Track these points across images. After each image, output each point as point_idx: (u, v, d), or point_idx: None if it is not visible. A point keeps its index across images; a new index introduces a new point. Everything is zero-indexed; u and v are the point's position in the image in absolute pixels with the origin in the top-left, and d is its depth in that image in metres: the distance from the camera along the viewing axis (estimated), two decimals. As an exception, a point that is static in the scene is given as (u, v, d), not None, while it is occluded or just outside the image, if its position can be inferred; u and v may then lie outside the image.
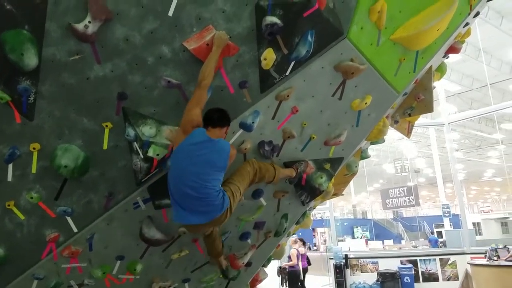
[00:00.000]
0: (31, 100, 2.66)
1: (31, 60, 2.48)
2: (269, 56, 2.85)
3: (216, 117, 2.89)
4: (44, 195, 3.03)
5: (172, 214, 2.96)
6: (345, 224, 32.54)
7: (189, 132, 2.78)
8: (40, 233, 3.16)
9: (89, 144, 2.91)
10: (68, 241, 3.23)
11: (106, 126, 2.86)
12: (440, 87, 16.23)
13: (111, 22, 2.54)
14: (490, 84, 18.03)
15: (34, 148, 2.84)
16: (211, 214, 2.84)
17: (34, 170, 2.91)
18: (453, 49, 4.27)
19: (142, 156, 2.86)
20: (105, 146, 2.91)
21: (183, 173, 2.78)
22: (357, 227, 32.14)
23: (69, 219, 3.15)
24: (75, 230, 3.20)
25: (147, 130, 2.83)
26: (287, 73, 3.03)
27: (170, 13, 2.59)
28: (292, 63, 2.97)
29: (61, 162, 2.86)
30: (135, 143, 2.85)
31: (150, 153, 2.84)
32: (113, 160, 3.00)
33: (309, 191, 3.96)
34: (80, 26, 2.48)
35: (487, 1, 4.22)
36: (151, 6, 2.55)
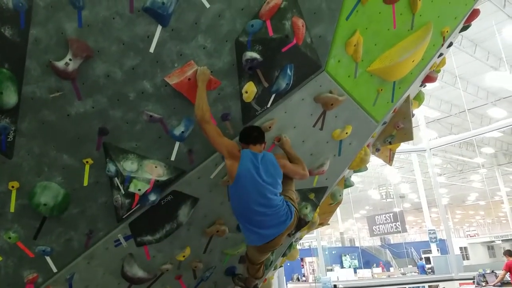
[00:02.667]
0: (10, 138, 2.63)
1: (10, 98, 2.47)
2: (250, 89, 2.90)
3: (255, 136, 3.00)
4: (22, 234, 2.95)
5: (249, 239, 3.05)
6: (333, 252, 32.26)
7: (239, 155, 2.89)
8: (18, 275, 3.05)
9: (69, 181, 2.87)
10: (47, 281, 3.13)
11: (87, 162, 2.83)
12: (420, 114, 16.67)
13: (92, 59, 2.56)
14: (468, 109, 18.61)
15: (13, 187, 2.78)
16: (286, 222, 2.96)
17: (12, 209, 2.83)
18: (430, 78, 4.42)
19: (123, 192, 2.82)
20: (85, 183, 2.87)
21: (250, 195, 2.88)
22: (345, 255, 31.86)
23: (48, 258, 3.06)
24: (54, 270, 3.10)
25: (129, 165, 2.81)
26: (269, 105, 3.08)
27: (152, 50, 2.63)
28: (273, 95, 3.03)
29: (40, 200, 2.80)
30: (116, 178, 2.82)
31: (132, 188, 2.80)
32: (93, 196, 2.95)
33: (294, 222, 3.93)
34: (61, 64, 2.49)
35: (459, 32, 4.41)
36: (132, 43, 2.59)
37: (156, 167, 2.94)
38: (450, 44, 4.28)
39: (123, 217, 2.97)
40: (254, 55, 2.77)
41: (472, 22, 4.30)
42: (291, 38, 2.75)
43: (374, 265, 28.68)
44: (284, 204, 2.96)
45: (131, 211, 2.96)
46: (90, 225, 3.05)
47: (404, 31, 3.36)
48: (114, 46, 2.57)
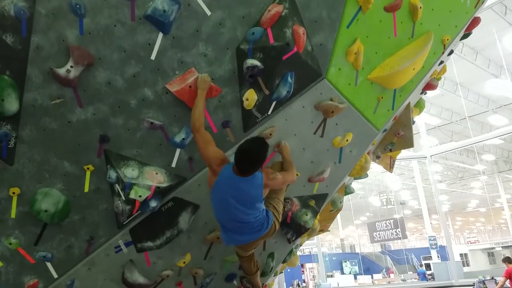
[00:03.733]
0: (11, 145, 2.64)
1: (12, 105, 2.48)
2: (251, 97, 2.91)
3: (246, 168, 2.71)
4: (23, 240, 2.95)
5: (223, 237, 3.02)
6: (333, 258, 32.14)
7: (218, 171, 2.75)
8: (19, 280, 3.05)
9: (70, 188, 2.87)
10: (47, 287, 3.11)
11: (88, 169, 2.84)
12: (421, 121, 16.68)
13: (93, 67, 2.57)
14: (469, 116, 18.62)
15: (13, 193, 2.79)
16: (260, 232, 2.94)
17: (13, 215, 2.84)
18: (430, 86, 4.43)
19: (124, 198, 2.82)
20: (86, 189, 2.88)
21: (223, 210, 2.83)
22: (345, 262, 31.74)
23: (49, 264, 3.06)
24: (55, 276, 3.10)
25: (129, 171, 2.81)
26: (269, 112, 3.08)
27: (153, 57, 2.65)
28: (274, 103, 3.03)
29: (41, 206, 2.81)
30: (116, 185, 2.82)
31: (132, 195, 2.80)
32: (94, 203, 2.95)
33: (294, 229, 3.93)
34: (62, 71, 2.51)
35: (460, 40, 4.42)
36: (133, 50, 2.61)
37: (156, 174, 2.94)
38: (451, 52, 4.30)
39: (124, 223, 2.97)
40: (255, 62, 2.78)
41: (473, 30, 4.31)
42: (292, 46, 2.77)
43: (384, 270, 28.62)
44: (262, 216, 2.88)
45: (131, 218, 2.96)
46: (90, 232, 3.05)
47: (404, 39, 3.37)
48: (115, 53, 2.58)
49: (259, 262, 3.68)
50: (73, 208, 2.92)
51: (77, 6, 2.42)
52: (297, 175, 3.43)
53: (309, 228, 3.99)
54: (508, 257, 10.45)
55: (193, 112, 2.71)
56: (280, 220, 3.12)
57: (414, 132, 4.46)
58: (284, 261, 4.54)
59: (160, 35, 2.60)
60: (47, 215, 2.82)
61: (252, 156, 2.69)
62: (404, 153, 14.34)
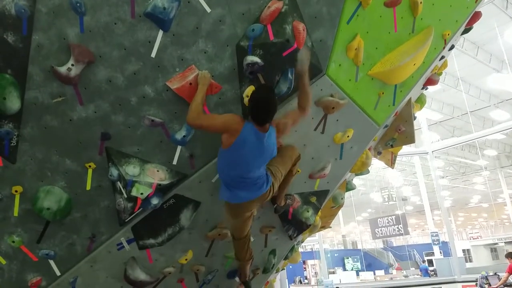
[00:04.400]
0: (13, 143, 2.65)
1: (13, 103, 2.49)
2: (251, 93, 2.90)
3: (264, 118, 2.78)
4: (26, 238, 2.97)
5: (222, 195, 3.06)
6: (335, 255, 32.19)
7: (239, 129, 2.75)
8: (22, 278, 3.07)
9: (72, 185, 2.89)
10: (50, 285, 3.15)
11: (89, 166, 2.85)
12: (422, 116, 16.64)
13: (94, 64, 2.58)
14: (471, 111, 18.58)
15: (16, 191, 2.81)
16: (261, 190, 3.03)
17: (16, 213, 2.86)
18: (431, 81, 4.41)
19: (125, 196, 2.83)
20: (88, 187, 2.89)
21: (239, 166, 2.88)
22: (347, 258, 31.78)
23: (51, 262, 3.08)
24: (58, 273, 3.12)
25: (131, 169, 2.82)
26: (270, 109, 3.08)
27: (153, 55, 2.65)
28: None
29: (43, 204, 2.82)
30: (118, 182, 2.83)
31: (134, 192, 2.81)
32: (96, 200, 2.97)
33: (296, 226, 3.94)
34: (63, 69, 2.51)
35: (461, 34, 4.40)
36: (134, 48, 2.61)
37: (158, 171, 2.95)
38: (452, 47, 4.28)
39: (126, 220, 2.98)
40: (255, 59, 2.78)
41: (473, 25, 4.29)
42: (292, 42, 2.77)
43: (392, 266, 28.66)
44: (263, 175, 3.01)
45: (133, 215, 2.97)
46: (92, 229, 3.06)
47: (405, 35, 3.36)
48: (115, 51, 2.59)
49: (252, 251, 3.67)
50: (75, 206, 2.93)
51: (78, 4, 2.43)
52: (298, 171, 3.44)
53: (310, 225, 4.00)
54: (511, 253, 10.46)
55: (191, 104, 2.71)
56: (275, 188, 3.19)
57: (415, 127, 4.46)
58: (285, 258, 4.56)
59: (160, 32, 2.60)
60: (50, 212, 2.83)
61: (266, 105, 2.74)
62: (405, 148, 14.33)
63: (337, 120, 3.41)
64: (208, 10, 2.62)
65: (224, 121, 2.78)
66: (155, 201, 2.92)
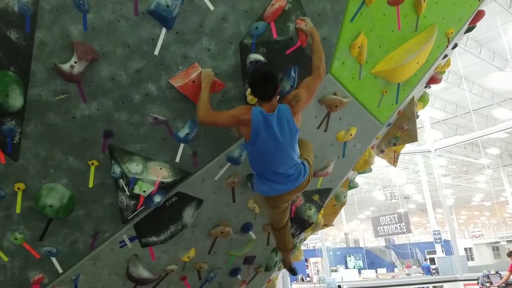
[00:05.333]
0: (16, 140, 2.65)
1: (16, 101, 2.49)
2: (254, 92, 2.90)
3: (264, 91, 2.70)
4: (28, 235, 2.98)
5: (257, 188, 3.02)
6: (338, 253, 32.19)
7: (248, 117, 2.69)
8: (24, 275, 3.08)
9: (75, 183, 2.89)
10: (53, 282, 3.16)
11: (92, 164, 2.85)
12: (425, 115, 16.60)
13: (97, 62, 2.58)
14: (473, 110, 18.53)
15: (18, 188, 2.81)
16: (298, 180, 2.92)
17: (18, 211, 2.86)
18: (434, 80, 4.40)
19: (128, 193, 2.84)
20: (90, 184, 2.89)
21: (264, 157, 2.80)
22: (350, 256, 31.79)
23: (54, 259, 3.08)
24: (60, 270, 3.13)
25: (133, 167, 2.83)
26: (273, 107, 3.08)
27: (156, 52, 2.65)
28: (278, 97, 3.02)
29: (46, 202, 2.83)
30: (121, 180, 2.83)
31: (137, 190, 2.82)
32: (99, 198, 2.97)
33: (298, 224, 3.94)
34: (66, 67, 2.51)
35: (464, 33, 4.38)
36: (137, 46, 2.61)
37: (161, 169, 2.95)
38: (455, 46, 4.26)
39: (128, 218, 2.99)
40: (258, 57, 2.77)
41: (477, 23, 4.27)
42: (295, 40, 2.76)
43: (408, 262, 28.67)
44: (299, 164, 2.89)
45: (136, 213, 2.98)
46: (95, 227, 3.07)
47: (408, 33, 3.34)
48: (119, 49, 2.59)
49: (293, 240, 3.66)
50: (78, 203, 2.94)
51: (81, 2, 2.42)
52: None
53: (313, 223, 4.00)
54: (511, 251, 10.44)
55: (198, 105, 2.72)
56: (312, 174, 3.08)
57: (418, 126, 4.44)
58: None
59: (164, 30, 2.60)
60: (52, 210, 2.84)
61: (262, 75, 2.67)
62: (408, 147, 14.31)
63: (340, 118, 3.40)
64: (212, 8, 2.61)
65: (235, 113, 2.76)
66: (157, 198, 2.93)
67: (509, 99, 20.33)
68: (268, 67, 2.75)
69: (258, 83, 2.69)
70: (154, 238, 3.19)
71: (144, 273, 3.33)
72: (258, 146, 2.76)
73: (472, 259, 31.88)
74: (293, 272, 3.90)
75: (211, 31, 2.68)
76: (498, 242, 35.67)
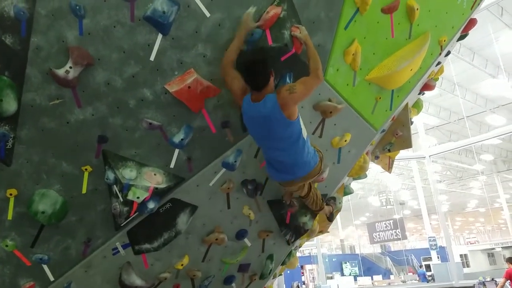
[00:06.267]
0: (9, 145, 2.63)
1: (10, 105, 2.48)
2: (249, 97, 2.91)
3: (253, 81, 2.65)
4: (19, 242, 2.94)
5: (268, 172, 3.09)
6: (333, 260, 32.12)
7: (241, 104, 2.75)
8: (15, 283, 3.03)
9: (68, 189, 2.86)
10: (44, 290, 3.11)
11: (86, 169, 2.83)
12: (419, 121, 16.69)
13: (93, 67, 2.58)
14: (467, 116, 18.66)
15: (10, 194, 2.78)
16: (303, 170, 2.93)
17: (10, 217, 2.83)
18: (428, 86, 4.43)
19: (121, 200, 2.82)
20: (84, 190, 2.87)
21: (263, 138, 2.86)
22: (345, 263, 31.72)
23: (45, 267, 3.04)
24: (51, 278, 3.08)
25: (127, 172, 2.81)
26: (268, 113, 3.08)
27: (152, 58, 2.65)
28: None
29: (38, 207, 2.80)
30: (114, 186, 2.82)
31: (130, 196, 2.80)
32: (92, 204, 2.95)
33: (293, 230, 3.94)
34: (61, 72, 2.51)
35: (457, 41, 4.43)
36: (133, 51, 2.61)
37: (155, 174, 2.94)
38: (448, 53, 4.30)
39: (122, 225, 2.97)
40: (254, 63, 2.78)
41: (469, 31, 4.32)
42: (290, 47, 2.77)
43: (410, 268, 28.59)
44: (306, 155, 2.86)
45: (129, 219, 2.96)
46: (88, 233, 3.04)
47: (402, 40, 3.38)
48: (114, 54, 2.58)
49: (322, 203, 3.67)
50: (71, 209, 2.91)
51: (77, 7, 2.42)
52: None
53: (308, 229, 3.99)
54: (510, 258, 10.49)
55: (227, 50, 2.70)
56: (322, 163, 3.06)
57: (412, 132, 4.46)
58: (283, 263, 4.54)
59: (160, 35, 2.60)
60: (44, 216, 2.81)
61: (254, 62, 2.63)
62: (403, 153, 14.36)
63: (335, 124, 3.41)
64: (208, 14, 2.62)
65: (235, 89, 2.75)
66: (151, 205, 2.91)
67: (502, 105, 20.52)
68: (260, 55, 2.70)
69: (248, 73, 2.66)
70: (147, 245, 3.17)
71: (136, 280, 3.30)
72: (252, 131, 2.86)
73: (468, 266, 31.93)
74: (330, 219, 4.04)
75: (207, 37, 2.69)
76: (493, 249, 35.79)
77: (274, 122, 2.68)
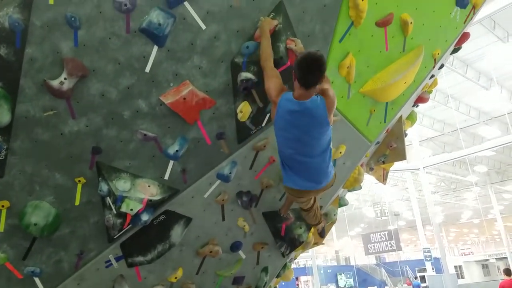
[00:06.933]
0: (2, 157, 2.60)
1: (3, 116, 2.46)
2: (245, 109, 2.92)
3: (310, 79, 2.49)
4: (11, 254, 2.89)
5: (285, 180, 2.93)
6: (328, 271, 31.94)
7: (276, 101, 2.63)
8: (5, 296, 2.98)
9: (61, 200, 2.83)
10: (35, 303, 3.05)
11: (79, 181, 2.81)
12: (413, 132, 16.81)
13: (87, 78, 2.57)
14: (461, 128, 18.82)
15: (3, 206, 2.74)
16: (323, 180, 2.88)
17: (1, 229, 2.78)
18: (422, 99, 4.47)
19: (115, 212, 2.79)
20: (77, 202, 2.84)
21: (292, 139, 2.71)
22: (340, 274, 31.55)
23: (37, 280, 2.99)
24: (43, 291, 3.03)
25: (121, 184, 2.79)
26: (263, 124, 3.10)
27: (147, 69, 2.65)
28: (268, 115, 3.04)
29: (30, 220, 2.76)
30: (108, 198, 2.79)
31: (124, 208, 2.77)
32: (85, 216, 2.92)
33: (288, 242, 3.91)
34: (55, 83, 2.50)
35: (451, 54, 4.48)
36: (128, 62, 2.61)
37: (149, 186, 2.92)
38: (442, 66, 4.35)
39: (115, 237, 2.94)
40: (249, 75, 2.80)
41: (462, 45, 4.38)
42: (285, 59, 2.79)
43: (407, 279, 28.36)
44: (328, 164, 2.81)
45: (122, 231, 2.93)
46: (81, 246, 3.00)
47: (396, 54, 3.41)
48: (109, 65, 2.58)
49: (320, 217, 3.65)
50: (64, 221, 2.87)
51: (72, 19, 2.43)
52: None
53: (303, 241, 3.97)
54: (507, 269, 10.50)
55: (260, 53, 2.71)
56: (335, 175, 3.02)
57: (407, 143, 4.49)
58: (278, 275, 4.50)
59: (155, 47, 2.61)
60: (37, 228, 2.77)
61: (314, 63, 2.45)
62: (397, 164, 14.41)
63: (330, 136, 3.42)
64: (204, 27, 2.64)
65: (272, 87, 2.66)
66: (145, 217, 2.88)
67: (495, 117, 20.73)
68: (322, 55, 2.52)
69: (311, 69, 2.46)
70: (140, 258, 3.13)
71: (130, 293, 3.26)
72: (286, 131, 2.69)
73: (462, 277, 31.88)
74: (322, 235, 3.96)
75: (202, 49, 2.71)
76: (487, 260, 35.80)
77: (318, 121, 2.61)
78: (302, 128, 2.63)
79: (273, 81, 2.68)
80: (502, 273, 10.47)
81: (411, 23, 3.32)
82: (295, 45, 2.78)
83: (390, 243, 20.58)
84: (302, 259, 30.21)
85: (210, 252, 3.45)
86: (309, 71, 2.46)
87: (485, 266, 36.39)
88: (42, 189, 2.78)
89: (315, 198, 3.35)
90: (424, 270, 22.39)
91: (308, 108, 2.56)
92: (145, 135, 2.81)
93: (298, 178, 2.85)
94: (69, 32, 2.46)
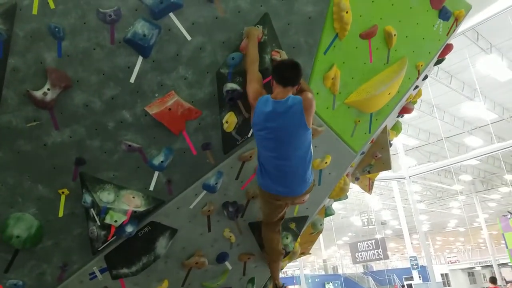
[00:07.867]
0: (-17, 168, 2.56)
1: (-15, 127, 2.42)
2: (230, 119, 2.93)
3: (288, 77, 2.66)
4: (-8, 268, 2.83)
5: (258, 180, 2.96)
6: (316, 280, 31.87)
7: (254, 105, 2.70)
8: (-14, 310, 2.91)
9: (44, 212, 2.79)
10: (16, 317, 2.98)
11: (63, 192, 2.77)
12: (399, 142, 17.00)
13: (71, 89, 2.55)
14: (445, 138, 19.11)
15: (-17, 218, 2.69)
16: (299, 187, 2.90)
17: (-18, 242, 2.73)
18: (406, 110, 4.53)
19: (99, 223, 2.76)
20: (60, 214, 2.80)
21: (269, 142, 2.73)
22: (328, 284, 31.51)
23: (18, 293, 2.93)
24: (24, 305, 2.96)
25: (105, 195, 2.76)
26: (249, 135, 3.10)
27: (132, 80, 2.64)
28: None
29: (13, 232, 2.71)
30: (92, 209, 2.76)
31: (108, 219, 2.74)
32: (68, 228, 2.87)
33: (275, 252, 3.89)
34: (38, 93, 2.47)
35: (434, 65, 4.57)
36: (112, 73, 2.60)
37: (133, 197, 2.89)
38: (426, 77, 4.42)
39: (99, 249, 2.89)
40: (235, 86, 2.81)
41: (446, 56, 4.46)
42: (270, 71, 2.81)
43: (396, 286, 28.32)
44: (308, 170, 2.83)
45: (106, 243, 2.89)
46: (64, 258, 2.95)
47: (380, 65, 3.46)
48: (93, 76, 2.57)
49: (282, 250, 3.60)
50: (46, 233, 2.83)
51: (56, 29, 2.42)
52: None
53: (289, 252, 3.96)
54: (493, 277, 10.64)
55: (245, 60, 2.75)
56: (314, 182, 3.05)
57: (392, 152, 4.53)
58: (264, 287, 4.48)
59: (140, 58, 2.61)
60: (19, 240, 2.72)
61: (292, 64, 2.67)
62: (383, 173, 14.54)
63: (316, 146, 3.44)
64: (189, 38, 2.65)
65: (252, 91, 2.73)
66: (129, 229, 2.85)
67: (479, 127, 21.12)
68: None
69: (287, 67, 2.67)
70: (125, 270, 3.08)
71: (114, 306, 3.20)
72: (264, 134, 2.72)
73: (449, 285, 32.12)
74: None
75: (188, 60, 2.72)
76: (473, 268, 36.16)
77: (295, 120, 2.65)
78: (279, 126, 2.67)
79: (253, 85, 2.74)
80: (488, 281, 10.60)
81: (395, 35, 3.38)
82: (280, 57, 2.80)
83: (377, 252, 20.68)
84: (290, 268, 30.13)
85: (196, 263, 3.42)
86: (286, 68, 2.67)
87: (471, 274, 36.75)
88: (25, 201, 2.74)
89: (282, 216, 3.36)
90: (411, 278, 22.52)
91: (284, 105, 2.63)
92: (129, 146, 2.79)
93: (272, 182, 2.89)
94: (53, 42, 2.46)
